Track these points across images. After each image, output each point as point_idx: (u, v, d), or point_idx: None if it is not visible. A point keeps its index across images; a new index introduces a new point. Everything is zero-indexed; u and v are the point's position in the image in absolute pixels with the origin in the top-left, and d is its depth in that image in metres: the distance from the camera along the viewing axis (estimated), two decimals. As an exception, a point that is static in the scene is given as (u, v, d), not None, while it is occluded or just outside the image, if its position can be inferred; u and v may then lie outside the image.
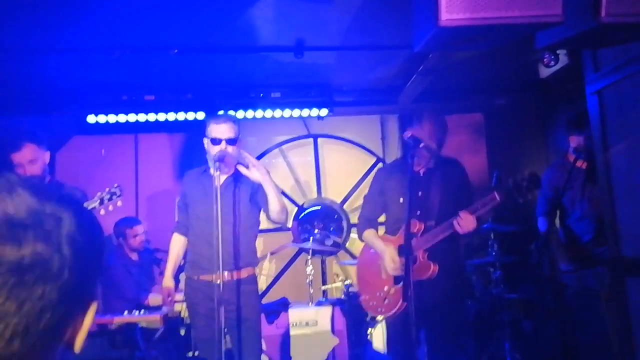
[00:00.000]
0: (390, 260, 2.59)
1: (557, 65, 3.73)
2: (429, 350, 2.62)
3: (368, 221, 2.85)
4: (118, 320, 3.33)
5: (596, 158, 2.59)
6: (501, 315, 3.66)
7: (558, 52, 3.58)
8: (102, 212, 2.62)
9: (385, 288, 2.64)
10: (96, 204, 2.58)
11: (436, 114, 2.68)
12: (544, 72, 4.01)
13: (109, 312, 3.83)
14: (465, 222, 2.40)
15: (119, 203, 2.63)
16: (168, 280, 2.80)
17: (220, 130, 2.71)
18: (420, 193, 2.58)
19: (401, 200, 2.66)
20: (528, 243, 3.81)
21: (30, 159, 2.64)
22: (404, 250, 2.39)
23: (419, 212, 2.56)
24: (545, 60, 3.65)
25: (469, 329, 3.54)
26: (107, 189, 2.60)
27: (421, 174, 2.69)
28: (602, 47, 2.38)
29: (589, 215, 3.03)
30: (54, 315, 0.57)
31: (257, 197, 2.78)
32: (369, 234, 2.81)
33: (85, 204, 2.57)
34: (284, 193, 4.93)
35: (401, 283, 2.54)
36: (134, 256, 4.06)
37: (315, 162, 5.03)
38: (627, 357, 2.37)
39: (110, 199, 2.59)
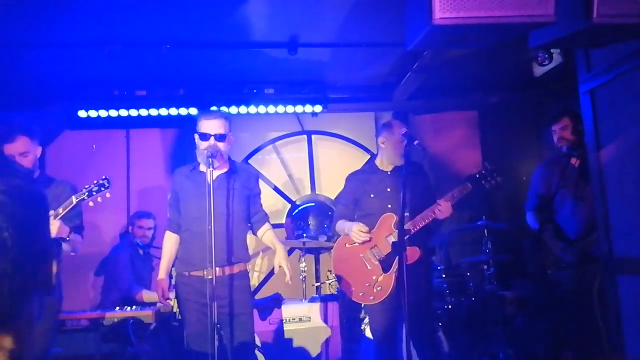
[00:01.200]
0: (357, 230, 2.87)
1: (550, 64, 3.75)
2: (417, 332, 2.81)
3: (340, 216, 3.12)
4: (110, 315, 3.32)
5: (588, 156, 2.60)
6: (494, 312, 3.69)
7: (552, 51, 3.59)
8: (91, 203, 2.61)
9: (374, 277, 2.87)
10: (84, 195, 2.56)
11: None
12: (538, 70, 4.02)
13: (105, 301, 3.85)
14: (444, 208, 2.80)
15: (108, 195, 2.61)
16: (162, 279, 2.80)
17: (210, 125, 2.71)
18: (389, 189, 2.93)
19: (372, 196, 2.99)
20: (521, 241, 3.84)
21: (22, 151, 2.63)
22: (398, 246, 2.47)
23: (389, 206, 2.89)
24: (539, 59, 3.66)
25: (461, 318, 3.70)
26: (95, 181, 2.59)
27: (389, 172, 3.03)
28: (594, 47, 2.39)
29: (580, 213, 3.05)
30: (14, 281, 0.61)
31: (249, 201, 2.85)
32: (340, 221, 3.08)
33: (73, 197, 2.55)
34: (277, 189, 4.93)
35: (390, 271, 2.85)
36: (140, 251, 4.08)
37: (309, 158, 5.02)
38: (617, 353, 2.40)
39: (98, 191, 2.57)
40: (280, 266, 2.74)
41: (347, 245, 2.96)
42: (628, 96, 2.31)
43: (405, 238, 2.71)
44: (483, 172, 2.85)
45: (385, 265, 2.86)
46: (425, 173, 3.11)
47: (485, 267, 3.83)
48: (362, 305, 3.26)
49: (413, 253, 2.80)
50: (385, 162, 3.05)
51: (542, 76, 4.02)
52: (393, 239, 2.82)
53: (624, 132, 2.36)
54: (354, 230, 2.89)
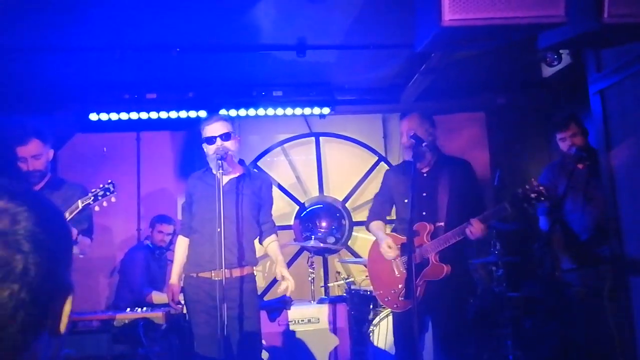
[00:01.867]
0: (386, 246, 2.74)
1: (560, 64, 3.74)
2: (434, 346, 2.74)
3: (376, 215, 2.99)
4: (120, 317, 3.35)
5: (599, 158, 2.59)
6: (503, 313, 3.67)
7: (561, 51, 3.58)
8: (97, 208, 2.63)
9: (400, 286, 2.74)
10: (90, 200, 2.59)
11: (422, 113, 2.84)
12: (547, 71, 4.01)
13: (118, 302, 3.89)
14: (476, 230, 2.51)
15: (113, 199, 2.63)
16: (174, 283, 2.82)
17: (213, 129, 2.74)
18: (424, 194, 2.64)
19: (405, 201, 2.73)
20: (530, 242, 3.82)
21: (35, 153, 2.67)
22: (407, 249, 2.42)
23: (424, 213, 2.63)
24: (548, 59, 3.66)
25: (470, 326, 3.60)
26: (100, 185, 2.61)
27: (425, 174, 2.75)
28: (604, 48, 2.38)
29: (589, 215, 3.04)
30: (29, 312, 0.56)
31: (259, 208, 2.86)
32: (375, 224, 2.95)
33: (79, 201, 2.58)
34: (285, 191, 4.95)
35: (415, 282, 2.57)
36: (156, 253, 4.12)
37: (317, 160, 5.04)
38: (629, 355, 2.38)
39: (104, 195, 2.60)
40: (282, 275, 2.70)
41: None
42: (638, 96, 2.30)
43: (435, 253, 2.62)
44: (528, 192, 2.43)
45: (410, 275, 2.59)
46: (469, 173, 2.77)
47: (494, 268, 3.81)
48: (382, 313, 3.22)
49: (439, 270, 2.62)
50: (420, 162, 2.75)
51: (550, 77, 4.01)
52: (422, 251, 2.64)
53: (634, 132, 2.34)
54: (383, 247, 2.79)
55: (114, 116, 4.29)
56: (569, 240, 3.10)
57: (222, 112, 4.32)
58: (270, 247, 2.89)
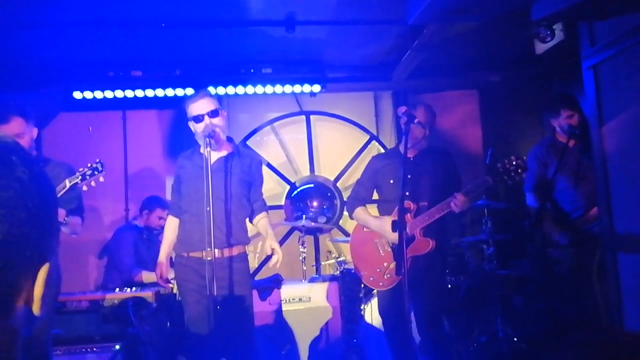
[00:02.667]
0: (391, 232, 2.78)
1: (553, 41, 3.68)
2: (417, 320, 2.87)
3: (358, 200, 3.06)
4: (110, 297, 3.32)
5: (590, 134, 2.57)
6: (493, 291, 3.70)
7: (554, 27, 3.52)
8: (85, 188, 2.58)
9: (385, 264, 2.85)
10: (78, 179, 2.53)
11: (428, 105, 2.95)
12: (540, 48, 3.95)
13: (107, 282, 3.87)
14: (460, 202, 2.65)
15: (101, 179, 2.59)
16: (162, 262, 2.80)
17: (199, 106, 2.69)
18: (409, 176, 2.76)
19: (391, 181, 2.89)
20: (521, 220, 3.83)
21: (17, 132, 2.59)
22: (398, 225, 2.45)
23: (407, 193, 2.74)
24: (540, 35, 3.59)
25: (449, 300, 3.70)
26: (88, 164, 2.56)
27: (411, 159, 2.88)
28: (598, 20, 2.34)
29: (581, 192, 3.04)
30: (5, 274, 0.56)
31: (249, 186, 2.82)
32: (360, 211, 3.02)
33: (67, 180, 2.52)
34: (276, 171, 4.90)
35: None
36: (145, 234, 4.07)
37: (307, 139, 4.98)
38: (617, 330, 2.40)
39: (92, 175, 2.55)
40: (272, 248, 2.70)
41: (364, 229, 2.97)
42: (632, 71, 2.26)
43: (420, 229, 2.76)
44: (507, 166, 2.60)
45: (396, 254, 2.79)
46: (451, 162, 2.99)
47: (485, 246, 3.82)
48: (374, 291, 3.26)
49: (425, 245, 2.77)
50: (412, 148, 2.88)
51: (543, 53, 3.95)
52: (408, 227, 2.73)
53: (627, 107, 2.32)
54: (387, 232, 2.83)
55: (98, 94, 4.18)
56: (560, 218, 3.10)
57: (211, 89, 4.24)
58: (261, 223, 2.88)
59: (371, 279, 2.90)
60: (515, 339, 3.56)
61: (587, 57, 2.53)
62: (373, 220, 2.93)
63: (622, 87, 2.35)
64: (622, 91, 2.35)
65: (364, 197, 3.07)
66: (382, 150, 4.80)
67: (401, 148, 2.86)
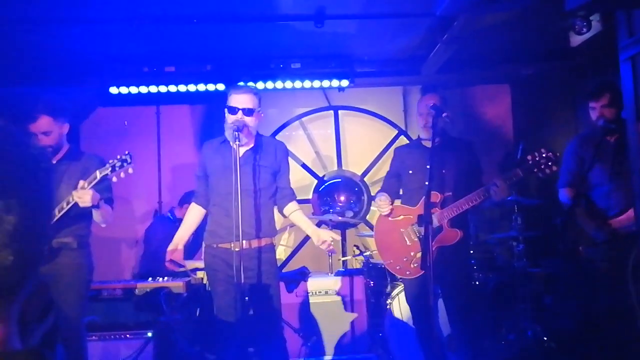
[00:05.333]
0: (379, 202, 2.92)
1: (589, 32, 3.56)
2: (448, 312, 2.88)
3: (383, 191, 3.09)
4: (142, 285, 3.44)
5: (627, 128, 2.48)
6: (523, 289, 3.63)
7: (591, 18, 3.41)
8: (115, 179, 2.66)
9: (412, 253, 2.86)
10: (108, 171, 2.62)
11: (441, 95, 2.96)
12: (575, 40, 3.83)
13: (142, 270, 3.99)
14: (501, 190, 2.61)
15: (130, 170, 2.66)
16: (175, 246, 2.82)
17: (239, 100, 2.72)
18: (428, 166, 2.71)
19: (410, 172, 2.93)
20: (552, 217, 3.74)
21: (44, 130, 2.70)
22: (424, 219, 2.45)
23: (427, 183, 2.68)
24: (576, 27, 3.48)
25: (489, 294, 3.67)
26: (118, 157, 2.64)
27: (433, 149, 2.85)
28: (635, 7, 2.25)
29: (618, 190, 2.93)
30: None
31: (276, 177, 2.86)
32: (377, 196, 3.06)
33: (97, 171, 2.61)
34: (304, 165, 4.94)
35: None
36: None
37: (335, 134, 5.00)
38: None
39: (121, 167, 2.62)
40: (321, 239, 2.77)
41: (390, 218, 2.96)
42: (672, 62, 2.18)
43: (448, 220, 2.76)
44: (537, 158, 2.56)
45: (423, 244, 2.77)
46: (473, 151, 2.96)
47: (515, 243, 3.75)
48: (399, 278, 3.28)
49: (453, 235, 2.76)
50: (427, 139, 2.95)
51: (579, 46, 3.83)
52: (436, 218, 2.75)
53: (666, 100, 2.23)
54: (378, 203, 2.94)
55: (133, 89, 4.31)
56: (594, 215, 3.01)
57: (250, 84, 4.30)
58: (295, 216, 2.88)
59: (397, 267, 2.92)
60: (544, 338, 3.49)
61: (625, 48, 2.44)
62: (379, 195, 3.00)
63: (661, 79, 2.26)
64: (661, 83, 2.27)
65: (388, 190, 3.07)
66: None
67: (425, 142, 2.92)
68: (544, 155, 2.54)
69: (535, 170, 2.55)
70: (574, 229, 3.08)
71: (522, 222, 3.70)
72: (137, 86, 4.32)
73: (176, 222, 4.17)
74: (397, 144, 4.90)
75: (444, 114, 2.69)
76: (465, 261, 2.93)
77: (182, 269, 2.90)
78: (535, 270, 3.82)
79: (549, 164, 2.53)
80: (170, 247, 2.83)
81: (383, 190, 3.09)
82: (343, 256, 4.57)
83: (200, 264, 3.04)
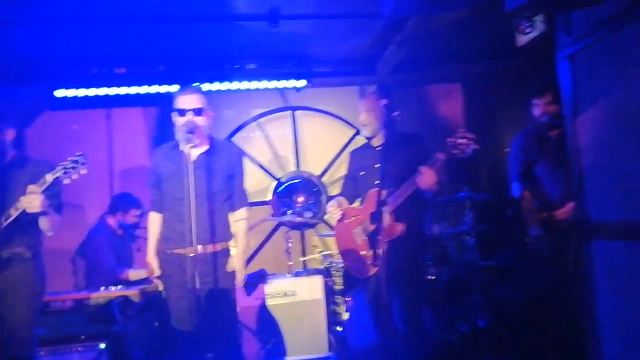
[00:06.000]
0: (330, 209, 2.99)
1: (533, 32, 3.70)
2: (400, 305, 2.84)
3: (342, 195, 3.14)
4: (95, 296, 3.32)
5: (566, 123, 2.60)
6: (474, 281, 3.74)
7: (534, 19, 3.54)
8: (67, 181, 2.55)
9: (362, 252, 2.86)
10: (60, 173, 2.51)
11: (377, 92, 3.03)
12: (521, 39, 3.97)
13: (90, 286, 3.84)
14: (426, 177, 2.64)
15: (84, 171, 2.55)
16: (152, 259, 2.79)
17: (186, 101, 2.68)
18: (377, 165, 2.75)
19: (362, 173, 2.98)
20: (502, 211, 3.87)
21: None
22: (375, 218, 2.47)
23: (377, 182, 2.73)
24: (521, 27, 3.61)
25: (442, 287, 3.74)
26: (69, 158, 2.53)
27: (380, 147, 2.92)
28: (572, 10, 2.37)
29: (559, 182, 3.07)
30: None
31: (230, 180, 2.82)
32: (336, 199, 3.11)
33: (48, 174, 2.50)
34: (262, 166, 4.91)
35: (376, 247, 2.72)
36: (119, 231, 4.04)
37: (293, 135, 4.99)
38: (590, 318, 2.45)
39: (74, 168, 2.52)
40: (234, 267, 2.73)
41: (345, 221, 2.99)
42: (606, 61, 2.29)
43: (390, 213, 2.74)
44: (456, 140, 2.66)
45: (372, 241, 2.78)
46: (422, 145, 2.95)
47: (467, 237, 3.87)
48: (359, 279, 3.29)
49: (396, 228, 2.77)
50: (375, 138, 3.01)
51: (525, 45, 3.97)
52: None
53: (601, 98, 2.35)
54: (328, 210, 3.00)
55: (82, 92, 4.16)
56: (540, 207, 3.14)
57: (205, 85, 4.24)
58: (238, 225, 2.82)
59: (354, 268, 2.95)
60: (495, 328, 3.61)
61: (563, 47, 2.55)
62: (332, 201, 3.05)
63: (596, 77, 2.38)
64: (596, 81, 2.38)
65: (346, 193, 3.12)
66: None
67: (372, 141, 2.97)
68: (463, 136, 2.60)
69: (455, 151, 2.59)
70: (521, 221, 3.21)
71: (473, 216, 3.82)
72: (86, 88, 4.17)
73: (114, 229, 4.03)
74: (354, 143, 4.94)
75: (395, 113, 2.73)
76: (417, 256, 2.92)
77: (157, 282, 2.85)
78: (487, 262, 3.95)
79: (469, 143, 2.58)
80: (149, 262, 2.79)
81: (342, 194, 3.14)
82: (303, 257, 4.57)
83: (143, 272, 2.98)
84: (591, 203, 2.44)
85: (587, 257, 2.43)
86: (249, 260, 4.71)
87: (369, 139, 3.05)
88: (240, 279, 2.73)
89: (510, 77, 4.70)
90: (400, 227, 2.77)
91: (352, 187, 3.11)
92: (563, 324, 2.81)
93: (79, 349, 3.13)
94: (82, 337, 3.20)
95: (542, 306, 2.97)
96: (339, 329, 3.65)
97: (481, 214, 3.95)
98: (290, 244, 3.92)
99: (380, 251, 2.45)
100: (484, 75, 4.78)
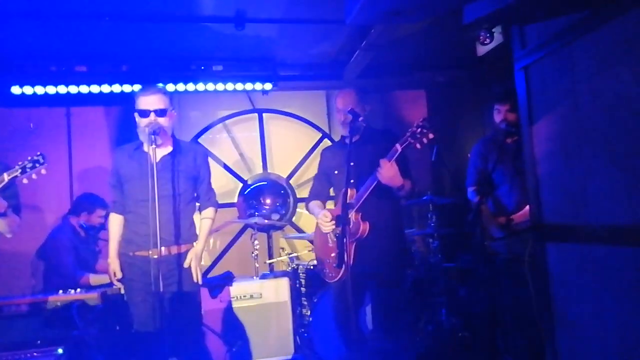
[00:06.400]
0: (323, 217, 2.80)
1: (492, 43, 3.85)
2: (373, 310, 2.80)
3: (315, 196, 3.07)
4: (53, 299, 3.21)
5: (522, 132, 2.73)
6: (438, 283, 3.85)
7: (493, 30, 3.69)
8: (25, 181, 2.48)
9: (332, 255, 2.79)
10: (17, 172, 2.43)
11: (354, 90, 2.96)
12: (481, 50, 4.13)
13: (48, 289, 3.70)
14: (385, 169, 2.57)
15: (43, 171, 2.49)
16: (112, 261, 2.74)
17: (148, 101, 2.64)
18: (352, 163, 2.64)
19: (336, 172, 2.89)
20: (465, 215, 4.00)
21: None
22: (341, 220, 2.48)
23: (352, 181, 2.66)
24: (480, 37, 3.75)
25: (407, 289, 3.77)
26: (29, 157, 2.46)
27: (352, 145, 2.73)
28: (526, 23, 2.49)
29: (517, 187, 3.21)
30: None
31: (196, 182, 2.82)
32: (313, 203, 3.04)
33: (5, 174, 2.42)
34: (228, 169, 4.88)
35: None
36: (82, 233, 3.92)
37: (260, 137, 4.99)
38: (547, 318, 2.57)
39: (33, 167, 2.45)
40: (192, 257, 2.71)
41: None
42: (558, 73, 2.43)
43: (356, 212, 2.66)
44: (412, 130, 2.59)
45: (339, 243, 2.67)
46: (392, 138, 2.77)
47: (431, 240, 3.97)
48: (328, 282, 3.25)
49: (363, 227, 2.70)
50: (348, 136, 2.81)
51: (485, 55, 4.14)
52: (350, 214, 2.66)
53: (553, 108, 2.48)
54: (320, 219, 2.84)
55: (39, 89, 4.02)
56: (497, 212, 3.27)
57: (170, 86, 4.18)
58: (203, 224, 2.85)
59: (325, 271, 2.87)
60: (458, 328, 3.72)
61: (519, 59, 2.68)
62: (318, 211, 2.91)
63: (549, 88, 2.51)
64: (548, 92, 2.52)
65: (319, 192, 3.06)
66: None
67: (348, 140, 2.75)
68: (418, 126, 2.56)
69: (412, 141, 2.56)
70: (481, 225, 3.32)
71: (437, 220, 3.93)
72: (44, 86, 4.03)
73: (78, 230, 3.91)
74: (321, 146, 4.99)
75: (360, 118, 2.77)
76: (387, 253, 2.77)
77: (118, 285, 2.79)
78: (450, 265, 4.07)
79: (424, 131, 2.54)
80: (111, 265, 2.74)
81: (312, 193, 3.07)
82: (269, 259, 4.57)
83: (105, 278, 2.91)
84: (546, 207, 2.57)
85: (542, 259, 2.56)
86: (215, 263, 4.67)
87: (344, 137, 2.96)
88: (196, 275, 2.70)
89: (473, 85, 4.87)
90: (366, 227, 2.69)
91: (322, 186, 3.05)
92: (522, 324, 2.93)
93: (34, 354, 3.02)
94: (38, 342, 3.09)
95: (502, 306, 3.08)
96: (304, 331, 3.66)
97: (444, 217, 4.06)
98: (256, 247, 3.92)
99: (347, 253, 2.41)
100: (446, 84, 4.93)
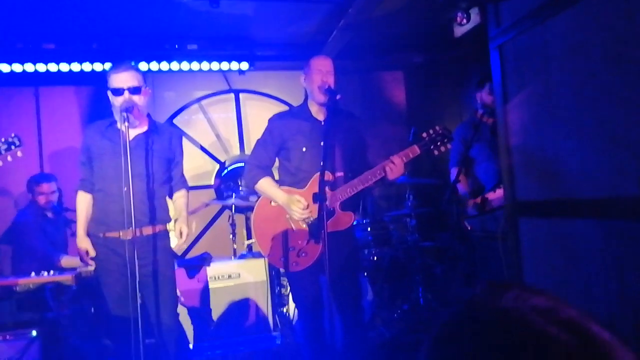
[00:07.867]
0: (298, 208, 2.46)
1: (469, 24, 3.87)
2: (335, 295, 2.45)
3: (260, 169, 2.62)
4: (24, 281, 3.14)
5: (496, 110, 2.76)
6: (415, 262, 3.91)
7: (470, 11, 3.71)
8: (0, 163, 2.40)
9: (299, 242, 2.51)
10: None
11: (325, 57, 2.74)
12: (458, 30, 4.15)
13: (19, 273, 3.61)
14: (398, 167, 2.43)
15: (19, 154, 2.41)
16: (82, 240, 2.66)
17: (121, 79, 2.56)
18: (322, 142, 2.40)
19: (304, 149, 2.53)
20: (442, 194, 4.06)
21: None
22: (319, 198, 2.24)
23: (321, 162, 2.29)
24: (457, 18, 3.77)
25: (385, 268, 3.80)
26: (2, 139, 2.37)
27: (322, 123, 2.57)
28: (499, 1, 2.50)
29: (494, 165, 3.27)
30: None
31: (170, 163, 2.78)
32: (265, 182, 2.58)
33: None
34: (205, 150, 4.82)
35: (319, 237, 2.44)
36: (49, 214, 3.81)
37: (237, 118, 4.93)
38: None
39: (8, 150, 2.37)
40: (181, 232, 2.71)
41: (272, 203, 2.56)
42: (530, 51, 2.46)
43: (340, 202, 2.48)
44: (433, 135, 2.50)
45: (315, 230, 2.47)
46: (359, 128, 2.68)
47: (408, 220, 4.02)
48: (283, 273, 3.15)
49: (347, 219, 2.52)
50: (316, 108, 2.58)
51: (462, 36, 4.15)
52: (328, 201, 2.41)
53: (525, 86, 2.52)
54: (294, 210, 2.47)
55: (5, 67, 3.87)
56: (476, 188, 3.34)
57: (143, 65, 4.07)
58: (178, 203, 2.84)
59: (282, 259, 2.53)
60: (434, 305, 3.80)
61: (494, 38, 2.71)
62: (282, 194, 2.52)
63: (522, 66, 2.55)
64: (522, 70, 2.55)
65: (267, 164, 2.63)
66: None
67: (310, 106, 2.60)
68: (439, 132, 2.50)
69: (432, 147, 2.49)
70: (457, 204, 3.39)
71: (414, 199, 3.97)
72: (10, 64, 3.88)
73: (44, 210, 3.80)
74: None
75: (337, 96, 2.71)
76: (355, 245, 2.68)
77: (91, 266, 2.74)
78: (427, 243, 4.14)
79: (444, 140, 2.50)
80: (80, 245, 2.65)
81: (252, 162, 2.64)
82: (247, 240, 4.56)
83: (77, 261, 2.84)
84: (519, 184, 2.62)
85: (513, 233, 2.62)
86: (192, 245, 4.64)
87: (305, 106, 2.65)
88: (181, 242, 2.71)
89: (450, 67, 4.90)
90: (351, 218, 2.53)
91: (266, 155, 2.63)
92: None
93: (7, 337, 2.96)
94: (10, 325, 3.03)
95: (477, 282, 3.16)
96: (284, 310, 3.69)
97: (422, 197, 4.11)
98: (235, 228, 3.90)
99: (320, 243, 2.23)
100: (424, 65, 4.94)
